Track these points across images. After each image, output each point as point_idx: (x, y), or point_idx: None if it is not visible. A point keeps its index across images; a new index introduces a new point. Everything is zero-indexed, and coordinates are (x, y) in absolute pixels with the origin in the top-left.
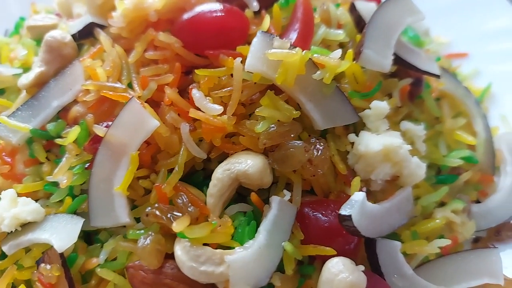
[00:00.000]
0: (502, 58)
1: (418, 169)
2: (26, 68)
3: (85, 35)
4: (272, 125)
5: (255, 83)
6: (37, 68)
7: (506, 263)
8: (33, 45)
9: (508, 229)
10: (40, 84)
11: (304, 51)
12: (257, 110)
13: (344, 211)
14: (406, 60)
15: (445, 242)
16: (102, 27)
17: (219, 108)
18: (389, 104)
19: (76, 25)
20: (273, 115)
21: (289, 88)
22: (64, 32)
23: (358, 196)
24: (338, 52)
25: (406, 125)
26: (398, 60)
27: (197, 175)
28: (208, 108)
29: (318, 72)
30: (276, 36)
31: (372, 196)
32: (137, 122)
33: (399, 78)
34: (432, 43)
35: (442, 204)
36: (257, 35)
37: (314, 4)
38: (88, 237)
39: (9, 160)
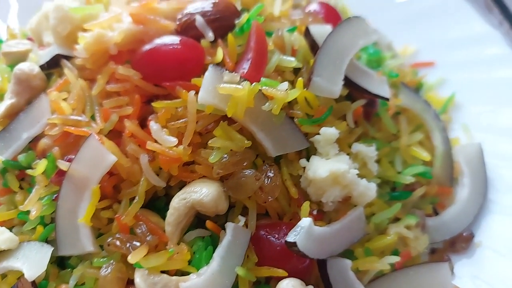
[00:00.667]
0: (467, 66)
1: (367, 190)
2: (1, 95)
3: (53, 65)
4: (225, 155)
5: (209, 113)
6: (8, 100)
7: (460, 273)
8: (8, 71)
9: (462, 240)
10: (11, 115)
11: (254, 84)
12: (210, 141)
13: (290, 238)
14: (357, 84)
15: (395, 259)
16: (68, 57)
17: (174, 140)
18: (339, 128)
19: (45, 55)
20: (226, 145)
21: (240, 119)
22: (32, 64)
23: (304, 223)
24: (285, 84)
25: (357, 147)
26: (349, 83)
27: (160, 201)
28: (164, 140)
29: (267, 104)
30: (227, 70)
31: (326, 216)
32: (96, 158)
33: (353, 100)
34: (395, 57)
35: (397, 219)
36: (208, 69)
37: (271, 27)
38: (61, 261)
39: None
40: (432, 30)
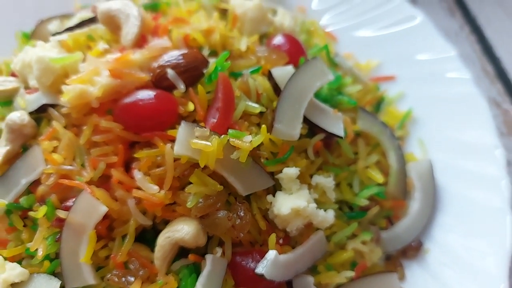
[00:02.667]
0: (425, 82)
1: (325, 218)
2: None
3: (41, 111)
4: (200, 200)
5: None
6: (4, 147)
7: (411, 278)
8: None
9: (412, 249)
10: (9, 160)
11: (222, 136)
12: (186, 188)
13: (258, 269)
14: (314, 123)
15: (351, 274)
16: (55, 105)
17: (155, 188)
18: (299, 166)
19: (32, 102)
20: (200, 191)
21: (212, 168)
22: (22, 113)
23: (270, 255)
24: (249, 137)
25: (316, 179)
26: (308, 122)
27: (149, 233)
28: (147, 187)
29: (235, 153)
30: (197, 126)
31: (292, 240)
32: (90, 208)
33: (312, 134)
34: (356, 81)
35: (355, 235)
36: (181, 125)
37: (239, 66)
38: None
39: None
40: (395, 45)
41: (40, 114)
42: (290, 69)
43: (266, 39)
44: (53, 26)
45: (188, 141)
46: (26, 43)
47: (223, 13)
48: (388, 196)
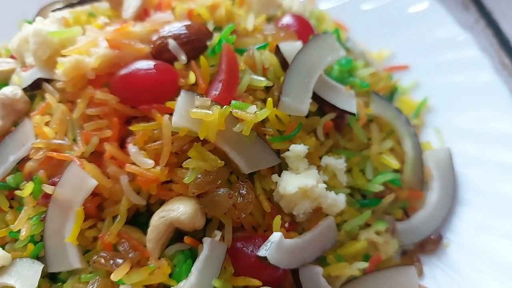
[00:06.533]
0: (440, 70)
1: (336, 202)
2: None
3: (35, 88)
4: (199, 176)
5: (184, 135)
6: None
7: (429, 273)
8: None
9: (431, 243)
10: None
11: (224, 107)
12: (184, 163)
13: (261, 252)
14: (325, 99)
15: (364, 265)
16: (50, 80)
17: (150, 162)
18: (308, 144)
19: (27, 78)
20: (200, 166)
21: (213, 141)
22: (15, 88)
23: (274, 237)
24: (253, 107)
25: (326, 160)
26: (318, 99)
27: (142, 216)
28: (142, 162)
29: (238, 125)
30: (197, 95)
31: (299, 226)
32: (78, 182)
33: (323, 113)
34: (368, 64)
35: (368, 224)
36: (181, 94)
37: (245, 43)
38: (53, 275)
39: None
40: (407, 33)
41: (34, 91)
42: (299, 44)
43: (274, 22)
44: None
45: (188, 111)
46: None
47: None
48: (403, 186)
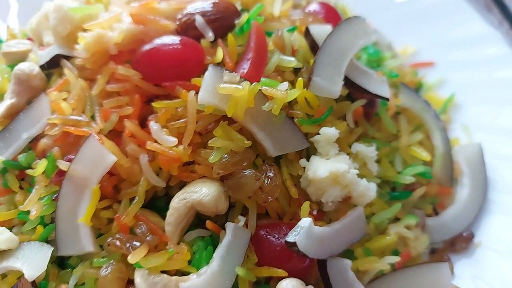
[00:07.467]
0: (467, 67)
1: (367, 190)
2: (1, 95)
3: (53, 65)
4: (225, 155)
5: (209, 113)
6: (8, 100)
7: (459, 273)
8: (8, 71)
9: (462, 240)
10: (11, 115)
11: (254, 84)
12: (210, 141)
13: (290, 238)
14: (357, 84)
15: (395, 259)
16: (68, 57)
17: (173, 140)
18: (339, 128)
19: (45, 55)
20: (226, 145)
21: (240, 119)
22: (32, 64)
23: (304, 223)
24: (285, 84)
25: (357, 147)
26: (349, 83)
27: (160, 201)
28: (164, 140)
29: (267, 104)
30: (226, 70)
31: (326, 216)
32: (96, 158)
33: (353, 100)
34: (395, 57)
35: (397, 219)
36: (208, 69)
37: (272, 27)
38: (61, 260)
39: None
40: (432, 30)
41: (51, 69)
42: (328, 28)
43: (301, 8)
44: None
45: (216, 87)
46: None
47: None
48: (432, 181)
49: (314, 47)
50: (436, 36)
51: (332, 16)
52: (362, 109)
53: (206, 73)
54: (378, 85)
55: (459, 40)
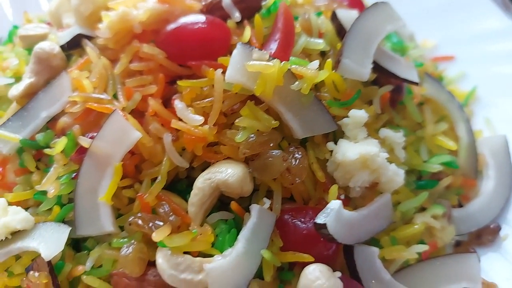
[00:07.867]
0: (488, 60)
1: (396, 176)
2: (18, 78)
3: (74, 46)
4: (252, 135)
5: (236, 93)
6: (27, 79)
7: (486, 267)
8: (25, 54)
9: (489, 233)
10: (30, 94)
11: (283, 62)
12: (236, 120)
13: (319, 219)
14: (386, 68)
15: (423, 248)
16: (89, 38)
17: (200, 119)
18: (368, 112)
19: (65, 35)
20: (252, 125)
21: (268, 98)
22: (53, 43)
23: (334, 205)
24: (316, 63)
25: (385, 132)
26: (377, 67)
27: (181, 183)
28: (190, 118)
29: (296, 83)
30: (256, 48)
31: (352, 203)
32: (120, 134)
33: (379, 85)
34: (417, 47)
35: (423, 209)
36: (237, 47)
37: (296, 12)
38: (77, 244)
39: (0, 169)
40: (452, 24)
41: (71, 50)
42: (355, 13)
43: None
44: None
45: (244, 65)
46: None
47: None
48: (457, 172)
49: (341, 31)
50: (455, 30)
51: (356, 3)
52: (389, 95)
53: (235, 51)
54: (406, 70)
55: (479, 34)
